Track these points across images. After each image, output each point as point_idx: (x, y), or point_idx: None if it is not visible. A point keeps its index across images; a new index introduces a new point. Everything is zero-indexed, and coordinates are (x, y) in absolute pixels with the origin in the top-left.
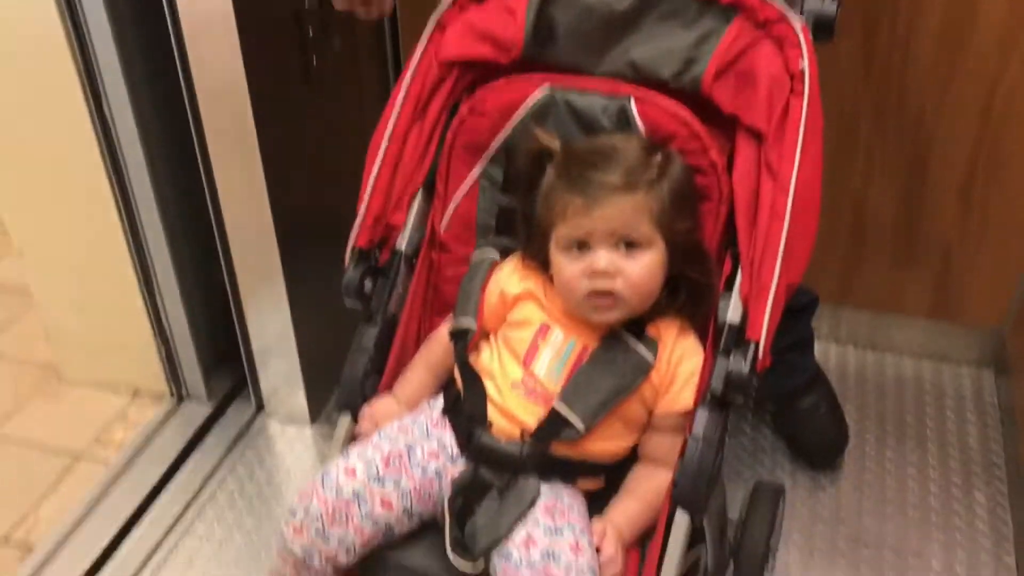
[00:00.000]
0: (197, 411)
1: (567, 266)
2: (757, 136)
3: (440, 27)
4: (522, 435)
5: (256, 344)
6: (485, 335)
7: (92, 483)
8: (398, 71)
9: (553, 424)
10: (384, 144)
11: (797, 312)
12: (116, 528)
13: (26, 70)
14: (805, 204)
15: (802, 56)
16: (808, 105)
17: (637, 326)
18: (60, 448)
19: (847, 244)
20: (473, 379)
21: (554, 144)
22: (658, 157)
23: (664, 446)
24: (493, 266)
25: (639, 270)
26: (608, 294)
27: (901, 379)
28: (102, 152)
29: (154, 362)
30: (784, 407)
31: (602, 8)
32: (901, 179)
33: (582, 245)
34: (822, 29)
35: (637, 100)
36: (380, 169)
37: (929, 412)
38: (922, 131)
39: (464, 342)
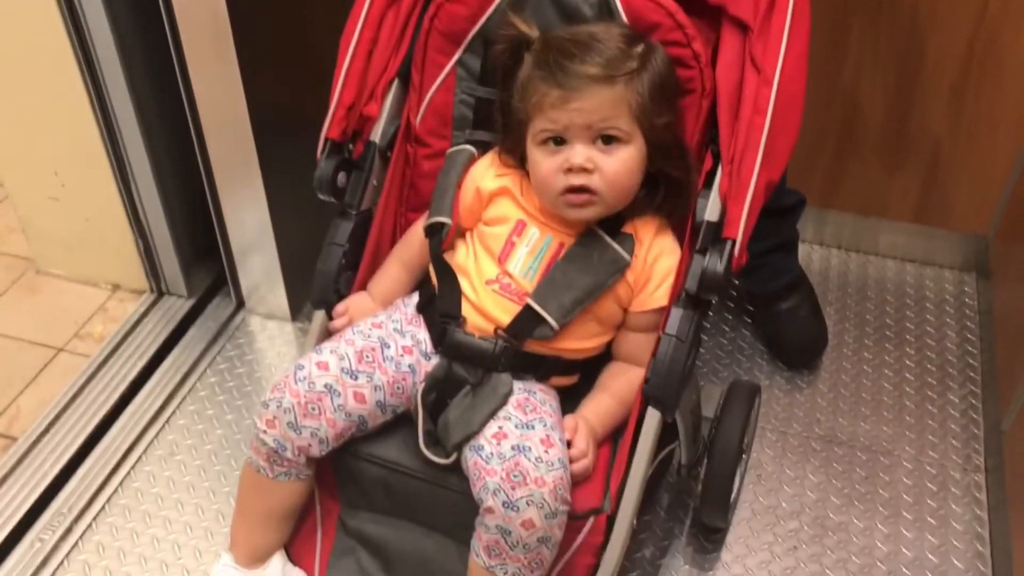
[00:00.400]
0: (177, 306)
1: (543, 161)
2: (743, 28)
3: None
4: (496, 332)
5: (235, 240)
6: (461, 233)
7: (73, 376)
8: None
9: (526, 321)
10: (357, 31)
11: (783, 213)
12: (97, 420)
13: None
14: (789, 99)
15: None
16: None
17: (614, 224)
18: (40, 341)
19: (835, 143)
20: (448, 275)
21: (532, 32)
22: (640, 48)
23: (638, 344)
24: (469, 161)
25: (616, 165)
26: (584, 190)
27: (883, 282)
28: (73, 44)
29: (133, 257)
30: (765, 308)
31: None
32: (892, 77)
33: (559, 140)
34: None
35: None
36: (353, 57)
37: (909, 315)
38: (916, 28)
39: (439, 237)
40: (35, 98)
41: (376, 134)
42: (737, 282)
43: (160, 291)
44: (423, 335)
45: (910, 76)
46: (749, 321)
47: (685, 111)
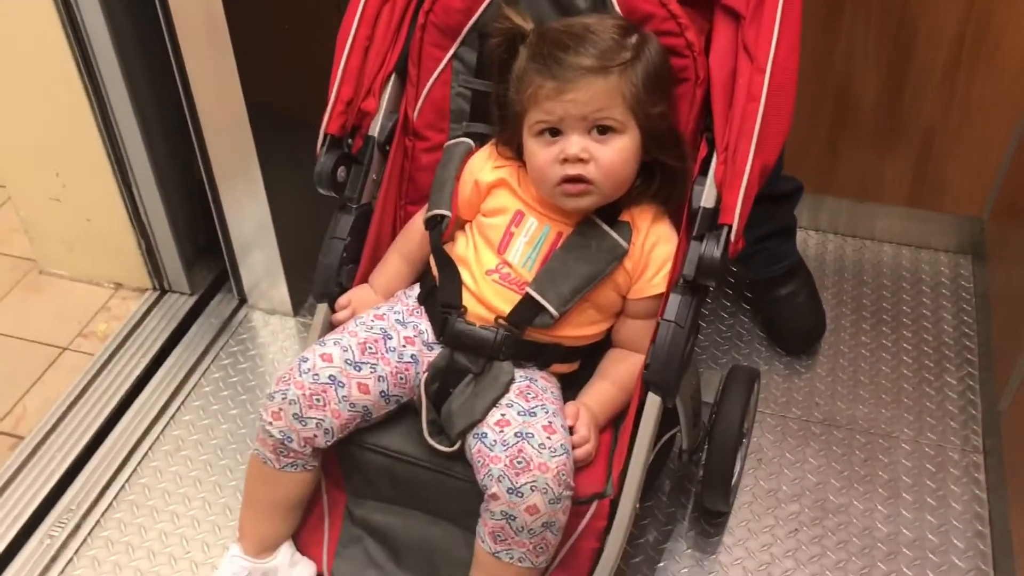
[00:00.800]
0: (180, 303)
1: (539, 153)
2: (735, 16)
3: None
4: (496, 321)
5: (236, 236)
6: (460, 225)
7: (78, 374)
8: None
9: (526, 309)
10: (354, 27)
11: (780, 200)
12: (104, 417)
13: None
14: (781, 85)
15: None
16: None
17: (611, 213)
18: (44, 340)
19: (829, 129)
20: (448, 266)
21: (527, 25)
22: (633, 38)
23: (637, 330)
24: (467, 154)
25: (612, 155)
26: (580, 180)
27: (879, 266)
28: (71, 44)
29: (135, 256)
30: (763, 294)
31: None
32: (885, 61)
33: (555, 131)
34: None
35: None
36: (350, 53)
37: (906, 298)
38: (907, 11)
39: (439, 230)
40: (35, 101)
41: (374, 128)
42: (734, 268)
43: (162, 289)
44: (425, 325)
45: (902, 60)
46: (747, 307)
47: (679, 100)
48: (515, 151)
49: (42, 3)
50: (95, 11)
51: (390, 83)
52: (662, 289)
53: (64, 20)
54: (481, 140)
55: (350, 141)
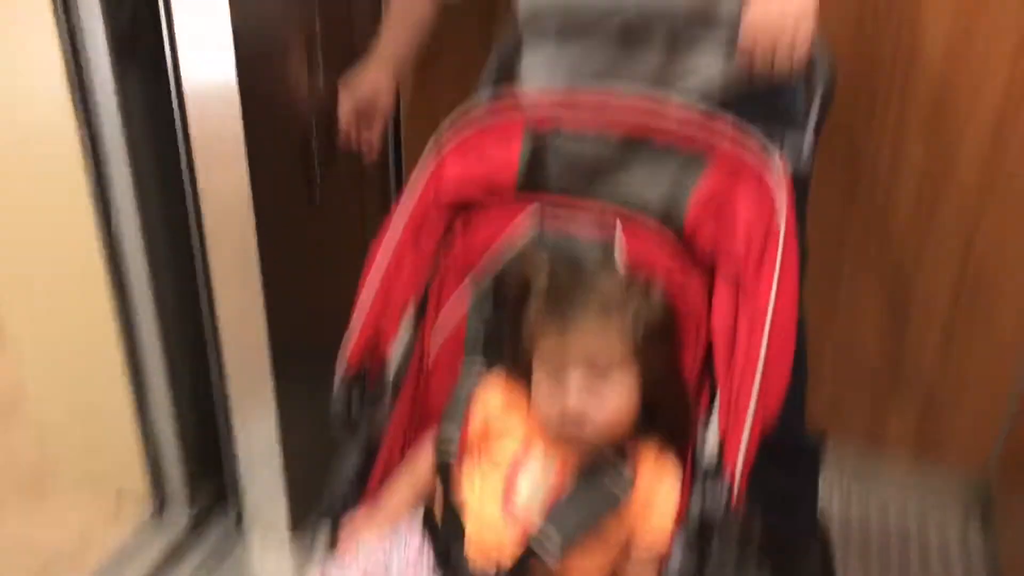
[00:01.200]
0: (177, 520)
1: (543, 392)
2: (735, 274)
3: (439, 159)
4: (499, 563)
5: (242, 455)
6: (468, 450)
7: None
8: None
9: (530, 552)
10: (377, 272)
11: (799, 456)
12: None
13: (35, 174)
14: (781, 341)
15: (776, 211)
16: (784, 247)
17: (615, 451)
18: (39, 550)
19: (830, 384)
20: (454, 511)
21: (540, 273)
22: (637, 289)
23: (641, 574)
24: (480, 377)
25: (610, 403)
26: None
27: (886, 524)
28: (104, 259)
29: (139, 470)
30: (776, 549)
31: (590, 154)
32: (884, 317)
33: (559, 370)
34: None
35: (626, 236)
36: (373, 297)
37: (913, 560)
38: (903, 267)
39: (447, 478)
40: (61, 316)
41: (391, 365)
42: (740, 519)
43: (162, 502)
44: (427, 556)
45: (901, 314)
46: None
47: (682, 349)
48: (525, 382)
49: (82, 216)
50: (132, 227)
51: (409, 319)
52: (666, 533)
53: (102, 236)
54: (494, 363)
55: (366, 376)
